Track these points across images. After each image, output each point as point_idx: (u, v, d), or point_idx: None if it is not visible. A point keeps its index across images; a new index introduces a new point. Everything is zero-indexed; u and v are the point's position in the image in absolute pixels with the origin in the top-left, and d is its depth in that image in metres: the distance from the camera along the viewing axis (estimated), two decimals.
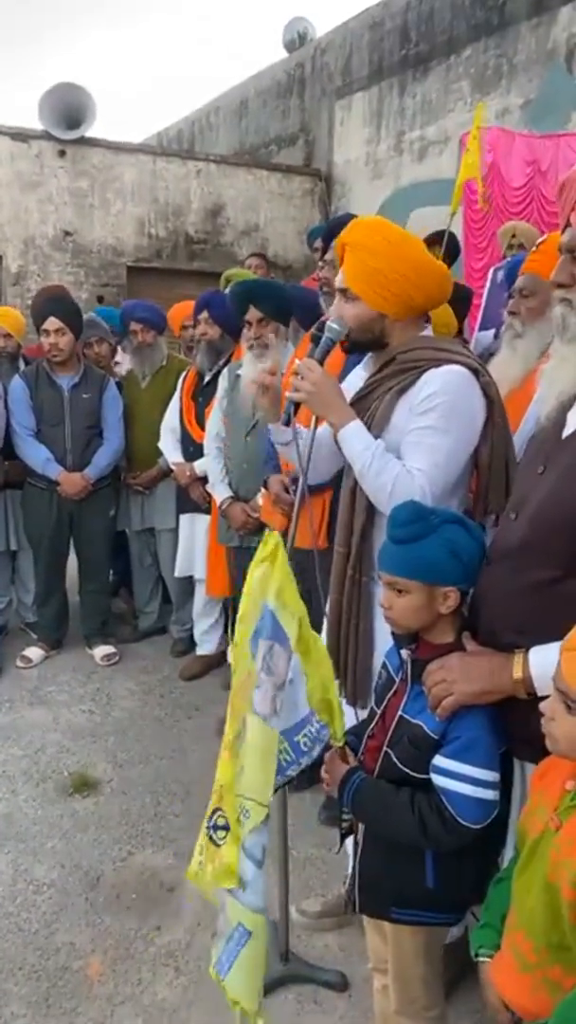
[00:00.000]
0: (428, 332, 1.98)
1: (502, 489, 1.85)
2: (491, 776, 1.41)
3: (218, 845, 1.48)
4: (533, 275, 2.35)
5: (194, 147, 12.10)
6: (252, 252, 7.27)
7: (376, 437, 1.83)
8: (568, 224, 1.46)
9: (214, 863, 1.49)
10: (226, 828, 1.47)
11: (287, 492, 2.75)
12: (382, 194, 8.69)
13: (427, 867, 1.48)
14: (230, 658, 3.67)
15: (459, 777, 1.41)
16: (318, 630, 2.23)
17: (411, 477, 1.75)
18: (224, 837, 1.47)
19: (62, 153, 8.42)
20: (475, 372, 1.83)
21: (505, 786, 1.46)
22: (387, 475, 1.76)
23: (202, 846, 1.53)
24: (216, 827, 1.49)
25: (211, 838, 1.50)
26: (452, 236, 4.62)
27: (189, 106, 16.08)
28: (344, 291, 1.89)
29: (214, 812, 1.50)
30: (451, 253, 4.60)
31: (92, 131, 8.45)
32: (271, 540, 1.48)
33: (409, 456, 1.79)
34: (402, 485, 1.74)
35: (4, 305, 7.66)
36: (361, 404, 1.90)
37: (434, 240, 4.60)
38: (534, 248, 2.45)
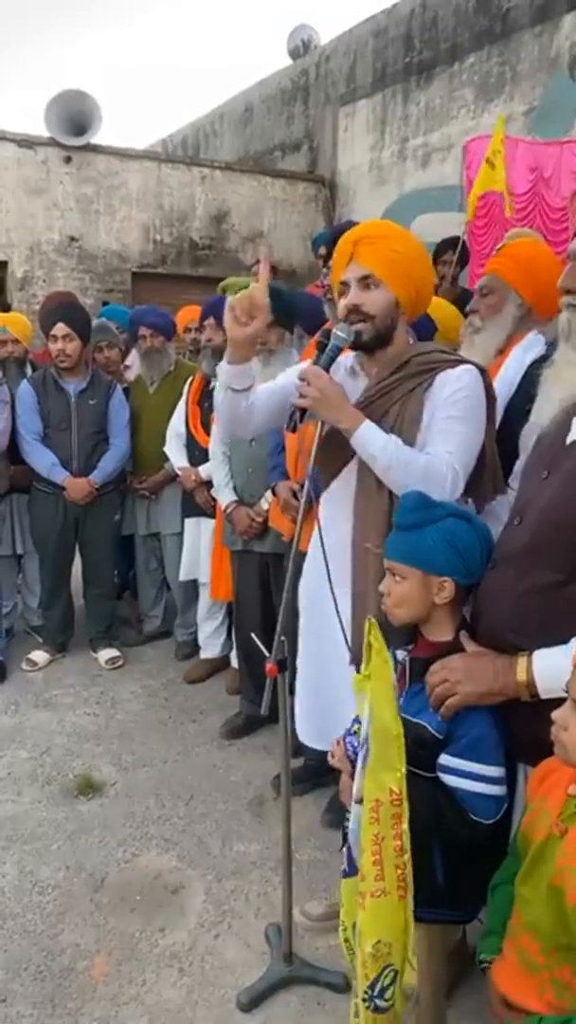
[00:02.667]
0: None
1: (494, 477, 1.98)
2: (499, 772, 1.44)
3: (386, 1010, 1.30)
4: (493, 275, 2.45)
5: (199, 153, 12.16)
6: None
7: (406, 438, 1.89)
8: None
9: None
10: (394, 980, 1.30)
11: (295, 498, 2.78)
12: (386, 200, 8.72)
13: (436, 864, 1.50)
14: (233, 662, 3.70)
15: (469, 775, 1.43)
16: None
17: (440, 459, 1.84)
18: (392, 994, 1.30)
19: (68, 159, 8.48)
20: (482, 372, 1.95)
21: (508, 784, 1.48)
22: (417, 464, 1.84)
23: None
24: (383, 992, 1.29)
25: (376, 1008, 1.30)
26: (463, 243, 4.66)
27: (194, 113, 16.19)
28: (365, 278, 1.92)
29: (377, 979, 1.29)
30: (461, 259, 4.66)
31: (98, 138, 8.51)
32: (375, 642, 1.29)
33: (434, 443, 1.88)
34: (434, 468, 1.82)
35: (10, 310, 7.72)
36: (374, 407, 1.94)
37: (447, 246, 4.65)
38: (496, 250, 2.55)
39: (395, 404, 1.94)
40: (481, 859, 1.50)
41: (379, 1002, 1.30)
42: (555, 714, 1.24)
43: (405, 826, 1.25)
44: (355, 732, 1.46)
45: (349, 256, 1.95)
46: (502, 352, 2.37)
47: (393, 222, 2.12)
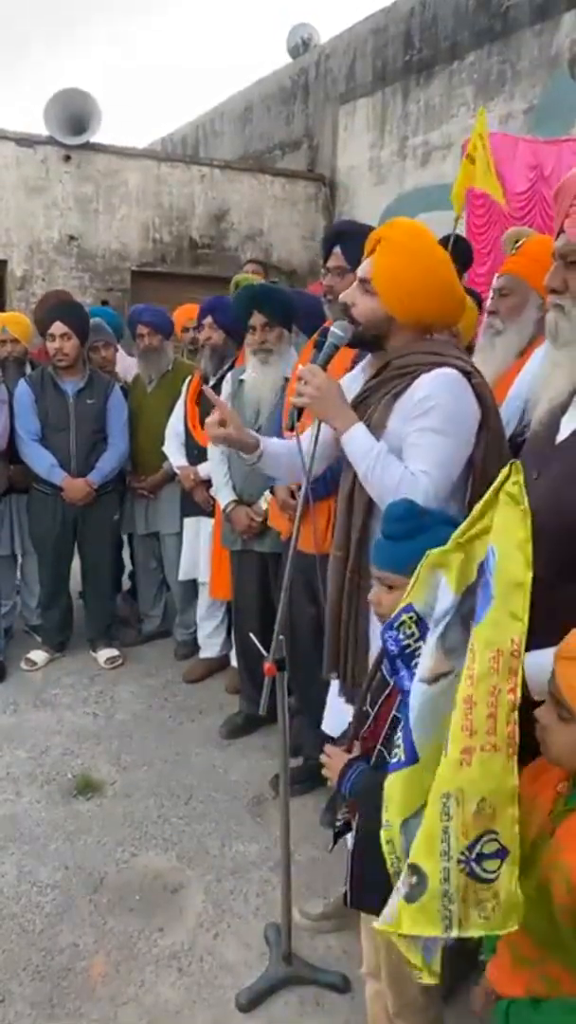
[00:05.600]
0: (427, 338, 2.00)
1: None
2: None
3: (487, 881, 1.16)
4: (512, 275, 2.39)
5: (198, 152, 12.16)
6: (249, 259, 7.31)
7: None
8: (561, 230, 1.48)
9: (480, 907, 1.16)
10: (499, 856, 1.15)
11: (293, 498, 2.77)
12: (386, 199, 8.72)
13: None
14: (232, 661, 3.70)
15: None
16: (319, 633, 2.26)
17: (415, 479, 1.78)
18: (497, 868, 1.16)
19: (67, 158, 8.47)
20: (467, 375, 1.85)
21: None
22: (391, 478, 1.79)
23: (449, 897, 1.16)
24: (481, 857, 1.15)
25: (472, 872, 1.16)
26: (464, 241, 4.60)
27: (193, 111, 16.18)
28: (365, 281, 1.90)
29: (477, 841, 1.16)
30: (463, 260, 4.59)
31: (97, 136, 8.50)
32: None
33: (410, 459, 1.82)
34: (407, 487, 1.76)
35: (9, 309, 7.72)
36: (359, 409, 1.92)
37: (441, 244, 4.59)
38: (513, 250, 2.49)
39: (370, 409, 1.90)
40: None
41: (476, 867, 1.16)
42: (538, 713, 1.24)
43: (519, 680, 1.16)
44: (400, 625, 1.37)
45: (371, 251, 1.93)
46: (524, 353, 2.32)
47: (427, 229, 1.96)
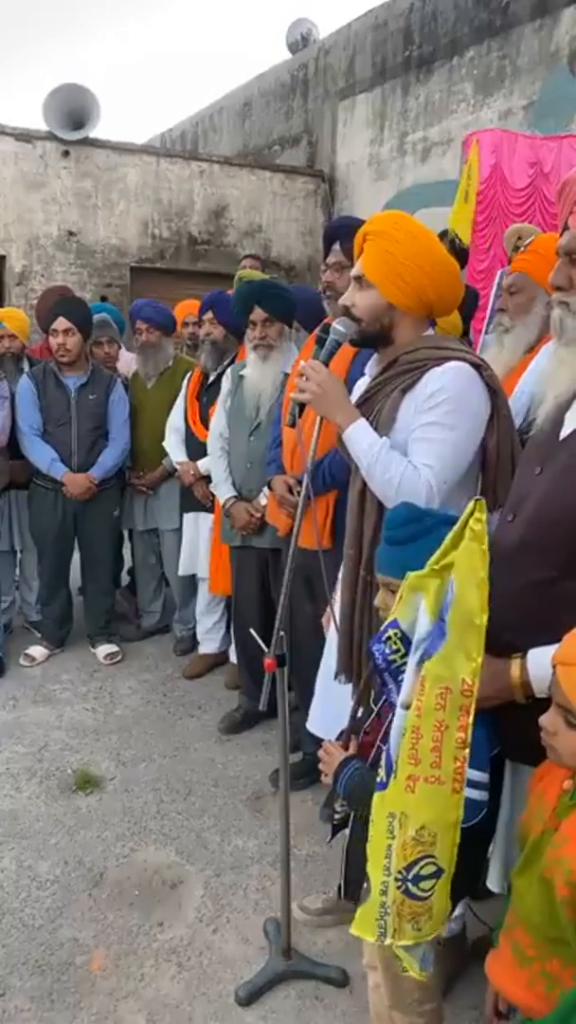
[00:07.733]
0: (431, 332, 2.00)
1: (509, 482, 1.86)
2: (481, 776, 1.39)
3: (422, 899, 1.22)
4: (521, 273, 2.43)
5: (197, 148, 12.13)
6: (246, 254, 7.30)
7: (383, 437, 1.85)
8: (567, 227, 1.48)
9: (414, 921, 1.22)
10: (436, 876, 1.21)
11: (291, 493, 2.77)
12: (385, 195, 8.71)
13: None
14: (232, 657, 3.70)
15: None
16: (318, 629, 2.27)
17: (417, 473, 1.78)
18: (431, 887, 1.22)
19: (66, 154, 8.45)
20: (477, 367, 1.85)
21: (496, 789, 1.46)
22: (393, 472, 1.79)
23: (385, 909, 1.23)
24: (418, 879, 1.21)
25: (408, 891, 1.22)
26: (458, 244, 4.62)
27: (193, 107, 16.14)
28: (359, 278, 1.91)
29: (414, 864, 1.21)
30: (458, 258, 4.59)
31: (96, 132, 8.49)
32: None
33: (415, 453, 1.81)
34: (408, 481, 1.76)
35: (8, 305, 7.71)
36: (367, 406, 1.92)
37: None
38: (523, 248, 2.51)
39: (379, 405, 1.89)
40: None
41: (412, 887, 1.21)
42: (543, 720, 1.24)
43: (471, 720, 1.17)
44: (387, 639, 1.35)
45: (360, 249, 1.94)
46: (532, 350, 2.35)
47: (409, 215, 1.99)
